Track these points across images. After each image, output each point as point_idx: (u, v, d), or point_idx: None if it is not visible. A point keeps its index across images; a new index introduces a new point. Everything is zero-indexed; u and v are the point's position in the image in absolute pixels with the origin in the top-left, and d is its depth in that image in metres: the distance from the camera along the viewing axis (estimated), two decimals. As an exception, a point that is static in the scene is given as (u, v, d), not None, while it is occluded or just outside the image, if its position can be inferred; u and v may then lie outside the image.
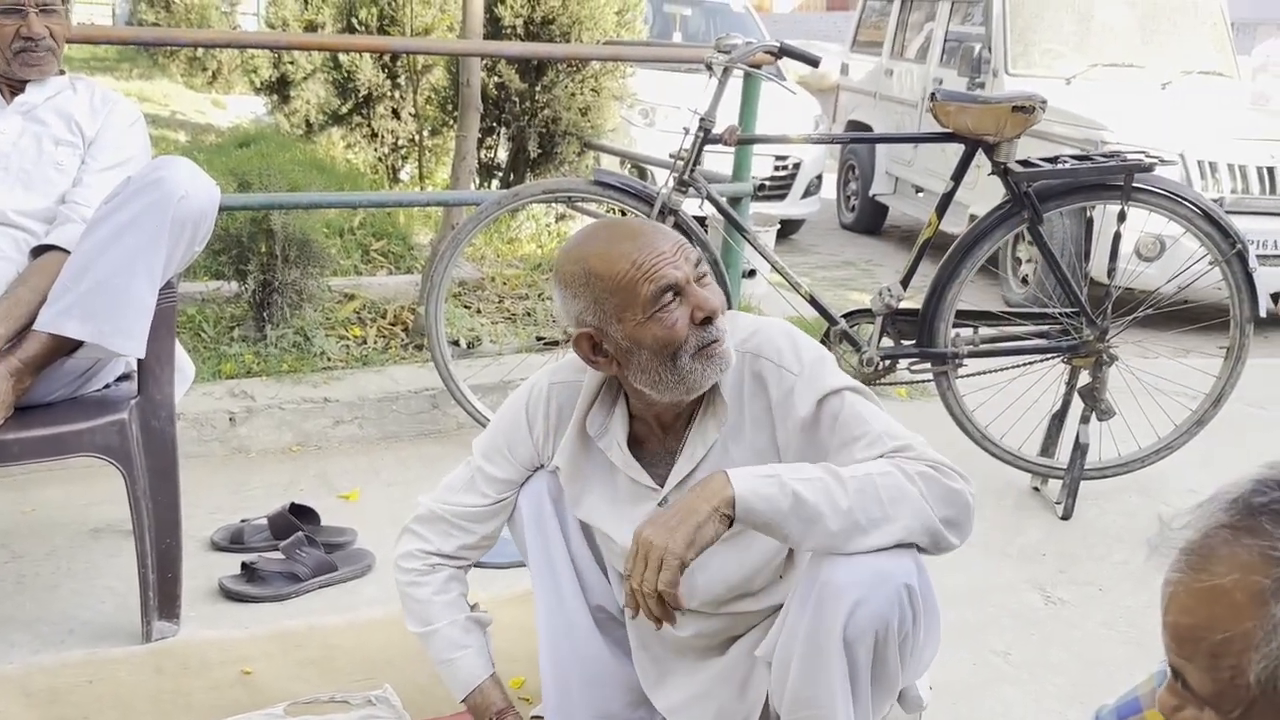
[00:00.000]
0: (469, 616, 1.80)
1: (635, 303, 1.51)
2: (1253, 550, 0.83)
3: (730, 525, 1.45)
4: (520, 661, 2.13)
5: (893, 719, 1.68)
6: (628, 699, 1.82)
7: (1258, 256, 2.99)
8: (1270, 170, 5.16)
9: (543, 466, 1.77)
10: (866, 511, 1.43)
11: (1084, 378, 2.96)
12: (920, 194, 7.01)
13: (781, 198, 6.87)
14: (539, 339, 3.89)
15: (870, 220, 7.73)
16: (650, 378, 1.55)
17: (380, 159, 6.32)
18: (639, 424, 1.67)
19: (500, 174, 5.59)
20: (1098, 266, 4.77)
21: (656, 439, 1.66)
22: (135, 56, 12.68)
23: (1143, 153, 2.91)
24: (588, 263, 1.54)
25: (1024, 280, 5.67)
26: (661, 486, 1.64)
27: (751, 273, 4.39)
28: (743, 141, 3.11)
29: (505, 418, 1.78)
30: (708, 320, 1.52)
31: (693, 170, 2.95)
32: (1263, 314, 2.94)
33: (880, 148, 7.36)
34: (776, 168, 6.81)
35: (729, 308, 1.65)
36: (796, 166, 6.90)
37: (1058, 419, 3.07)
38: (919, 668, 1.60)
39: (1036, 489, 3.12)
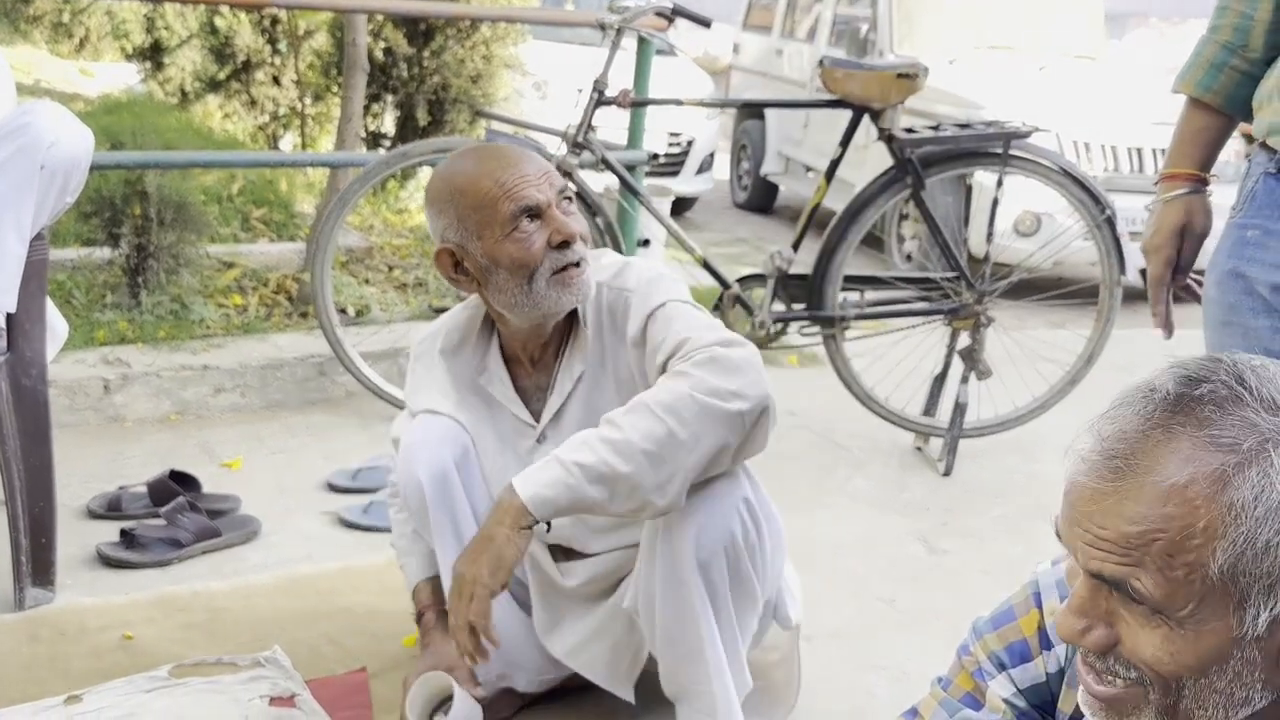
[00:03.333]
0: (415, 529, 1.85)
1: (494, 220, 1.54)
2: (1199, 441, 0.82)
3: (533, 527, 1.46)
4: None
5: (770, 636, 1.73)
6: (530, 652, 1.84)
7: (1129, 233, 3.14)
8: (1139, 150, 5.41)
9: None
10: (655, 439, 1.42)
11: (964, 339, 3.07)
12: (810, 173, 7.13)
13: (675, 174, 6.91)
14: (432, 307, 3.83)
15: (762, 199, 7.84)
16: (507, 298, 1.58)
17: (260, 128, 6.11)
18: (512, 364, 1.69)
19: (388, 144, 5.48)
20: (977, 239, 4.95)
21: (527, 374, 1.69)
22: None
23: (1020, 123, 3.02)
24: (454, 180, 1.57)
25: (908, 257, 5.83)
26: (538, 422, 1.65)
27: (645, 242, 4.40)
28: (636, 104, 3.12)
29: (414, 373, 1.80)
30: (565, 244, 1.55)
31: (587, 133, 2.94)
32: (1130, 278, 3.09)
33: (771, 129, 7.46)
34: (670, 144, 6.84)
35: None
36: (690, 144, 6.94)
37: (939, 380, 3.18)
38: (774, 576, 1.65)
39: (919, 448, 3.23)
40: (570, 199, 1.60)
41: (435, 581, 1.86)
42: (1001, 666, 1.07)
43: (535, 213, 1.54)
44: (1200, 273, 1.60)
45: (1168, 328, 1.65)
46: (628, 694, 1.76)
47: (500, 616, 1.80)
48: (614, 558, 1.72)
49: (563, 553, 1.79)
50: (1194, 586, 0.81)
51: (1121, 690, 0.88)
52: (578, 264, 1.57)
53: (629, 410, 1.45)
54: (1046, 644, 1.05)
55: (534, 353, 1.67)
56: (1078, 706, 1.03)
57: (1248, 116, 1.54)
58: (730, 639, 1.57)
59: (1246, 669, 0.84)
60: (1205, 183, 1.61)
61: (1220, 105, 1.57)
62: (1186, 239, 1.60)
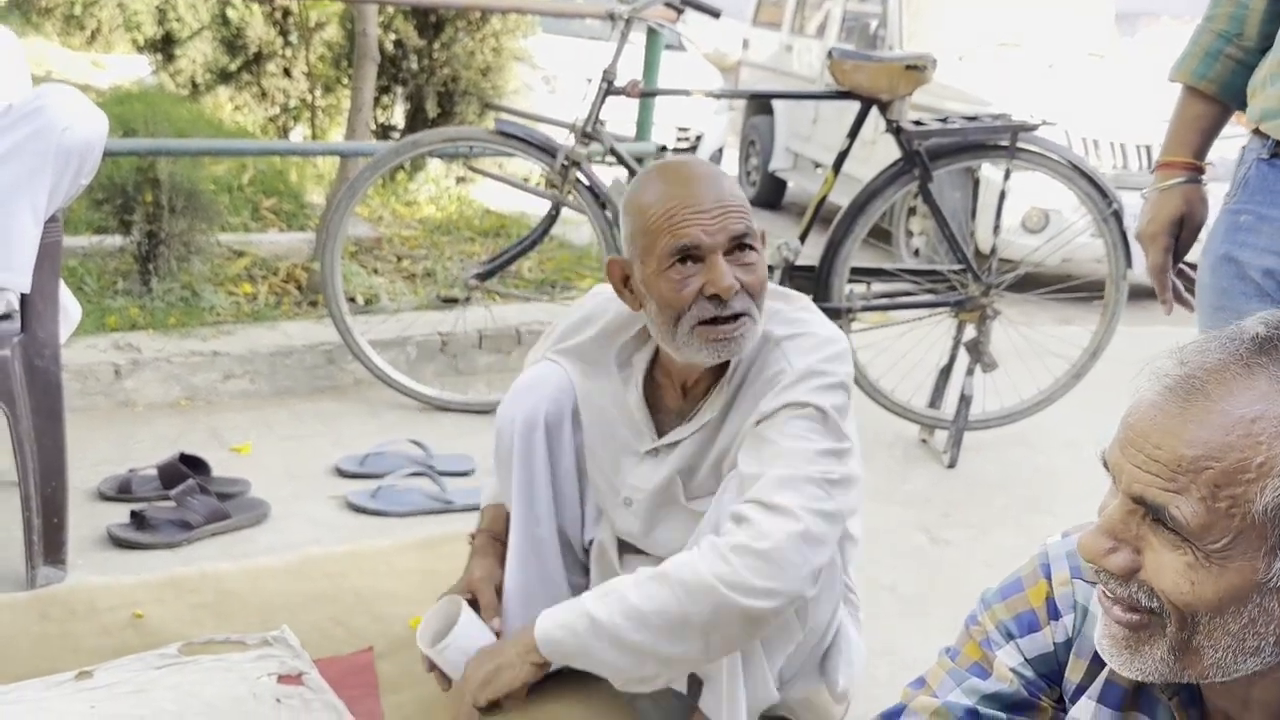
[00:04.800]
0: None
1: (654, 252, 1.47)
2: (1277, 381, 0.83)
3: (545, 666, 1.52)
4: (422, 603, 2.12)
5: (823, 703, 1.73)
6: None
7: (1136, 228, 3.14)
8: (1148, 148, 5.41)
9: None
10: (668, 617, 1.42)
11: (969, 332, 3.08)
12: (819, 169, 7.13)
13: (682, 169, 6.92)
14: (440, 298, 3.85)
15: (770, 194, 7.84)
16: (658, 330, 1.54)
17: (270, 119, 6.14)
18: (661, 373, 1.66)
19: (398, 135, 5.50)
20: (984, 233, 4.95)
21: (674, 396, 1.64)
22: (5, 15, 12.00)
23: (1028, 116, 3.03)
24: (640, 194, 1.50)
25: (915, 253, 5.84)
26: (660, 437, 1.64)
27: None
28: (645, 94, 3.13)
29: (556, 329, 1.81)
30: (718, 297, 1.46)
31: (596, 124, 2.96)
32: (1136, 273, 3.09)
33: (780, 125, 7.47)
34: (679, 139, 6.86)
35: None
36: (698, 139, 6.96)
37: (944, 373, 3.19)
38: (822, 610, 1.64)
39: (924, 440, 3.24)
40: (753, 247, 1.47)
41: (499, 508, 1.90)
42: (1009, 636, 1.09)
43: (697, 255, 1.45)
44: (1192, 265, 1.61)
45: (1186, 306, 1.66)
46: (680, 683, 1.74)
47: (556, 588, 1.84)
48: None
49: (628, 546, 1.81)
50: (1233, 521, 0.83)
51: (1143, 618, 0.89)
52: (731, 319, 1.47)
53: (658, 576, 1.44)
54: (1054, 614, 1.07)
55: (687, 384, 1.62)
56: (1085, 675, 1.04)
57: (1243, 105, 1.55)
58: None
59: (1262, 617, 0.85)
60: (1201, 171, 1.62)
61: (1215, 93, 1.58)
62: (1185, 228, 1.62)
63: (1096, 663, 1.02)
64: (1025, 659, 1.08)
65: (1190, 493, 0.83)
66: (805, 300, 1.64)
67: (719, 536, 1.45)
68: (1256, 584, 0.84)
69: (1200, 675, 0.89)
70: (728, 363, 1.56)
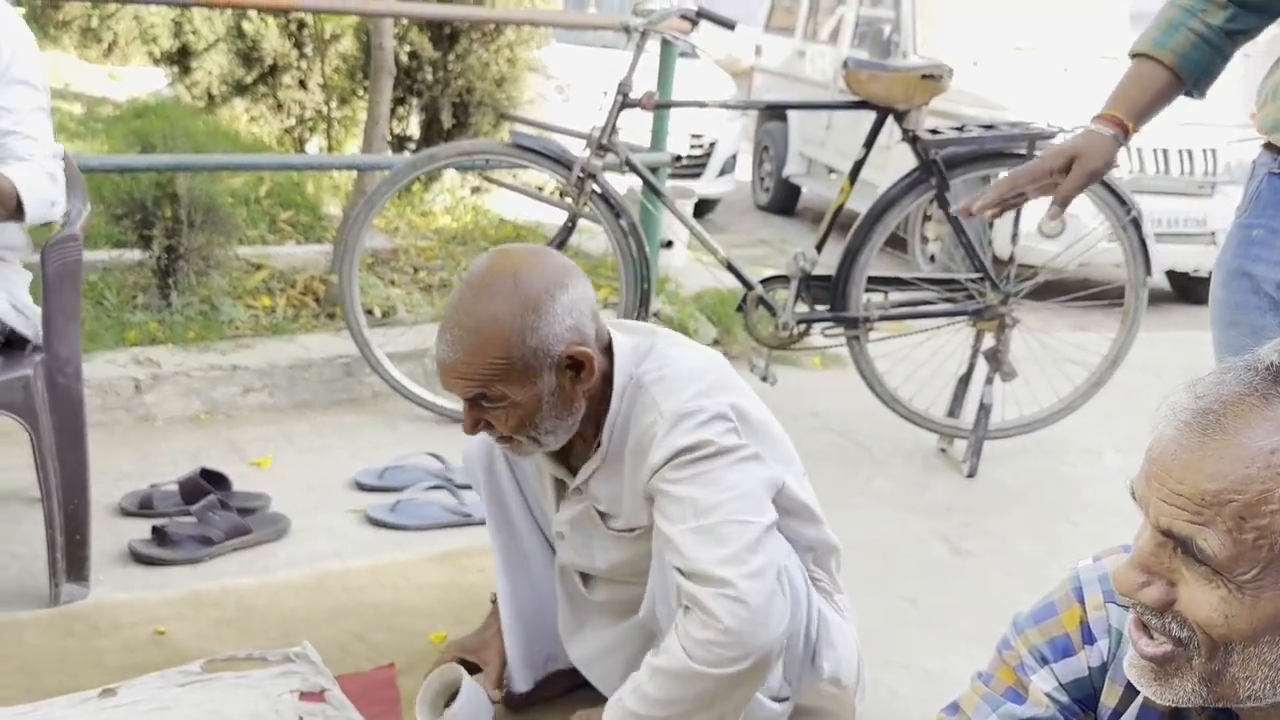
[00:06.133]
0: None
1: None
2: None
3: None
4: (442, 617, 2.14)
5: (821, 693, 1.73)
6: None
7: (1169, 234, 3.14)
8: (1164, 151, 5.37)
9: None
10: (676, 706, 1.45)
11: (988, 340, 3.07)
12: (832, 174, 7.12)
13: (697, 176, 6.92)
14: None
15: (784, 201, 7.84)
16: None
17: (286, 131, 6.16)
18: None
19: (413, 147, 5.52)
20: (1002, 240, 4.93)
21: (577, 442, 1.69)
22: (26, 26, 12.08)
23: (1045, 124, 3.02)
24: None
25: (931, 258, 5.82)
26: (573, 478, 1.69)
27: (668, 243, 4.42)
28: (660, 106, 3.13)
29: None
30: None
31: (611, 135, 2.96)
32: (1155, 279, 3.08)
33: (793, 130, 7.47)
34: (693, 146, 6.85)
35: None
36: (712, 146, 6.95)
37: (963, 381, 3.17)
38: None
39: (943, 450, 3.22)
40: (491, 406, 1.52)
41: None
42: (1043, 661, 1.08)
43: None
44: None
45: (968, 216, 1.74)
46: None
47: (540, 607, 1.86)
48: (631, 584, 1.74)
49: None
50: (1261, 552, 0.82)
51: (1170, 650, 0.89)
52: (499, 439, 1.59)
53: (657, 673, 1.46)
54: (1089, 638, 1.06)
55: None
56: (1120, 699, 1.04)
57: (1197, 82, 1.60)
58: None
59: None
60: (1127, 133, 1.68)
61: (1172, 63, 1.61)
62: (1076, 167, 1.70)
63: (1132, 688, 1.01)
64: (1060, 684, 1.07)
65: (1216, 525, 0.83)
66: (673, 334, 1.66)
67: (682, 622, 1.47)
68: None
69: (1235, 702, 0.89)
70: (606, 410, 1.60)
